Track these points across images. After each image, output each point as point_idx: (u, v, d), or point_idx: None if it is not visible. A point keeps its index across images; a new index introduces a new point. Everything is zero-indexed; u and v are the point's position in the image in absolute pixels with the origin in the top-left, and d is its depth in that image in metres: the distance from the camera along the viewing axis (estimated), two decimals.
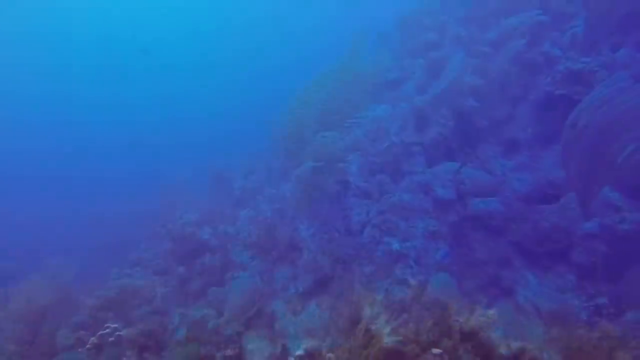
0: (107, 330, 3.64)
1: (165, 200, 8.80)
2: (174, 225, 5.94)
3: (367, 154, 6.14)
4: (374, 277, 3.22)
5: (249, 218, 5.87)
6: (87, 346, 3.58)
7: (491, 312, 1.64)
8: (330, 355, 2.03)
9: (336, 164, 4.27)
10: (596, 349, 1.71)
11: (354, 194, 4.11)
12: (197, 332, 3.58)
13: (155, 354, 3.55)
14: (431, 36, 7.04)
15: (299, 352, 2.45)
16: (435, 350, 1.59)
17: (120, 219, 10.44)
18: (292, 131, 4.63)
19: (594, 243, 2.95)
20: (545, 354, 1.57)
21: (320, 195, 3.66)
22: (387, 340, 1.70)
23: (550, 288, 3.01)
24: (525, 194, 3.69)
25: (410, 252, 3.16)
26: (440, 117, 3.94)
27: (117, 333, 3.62)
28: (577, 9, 5.16)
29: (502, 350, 1.55)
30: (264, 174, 7.60)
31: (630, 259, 2.81)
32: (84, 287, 5.71)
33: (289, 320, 3.61)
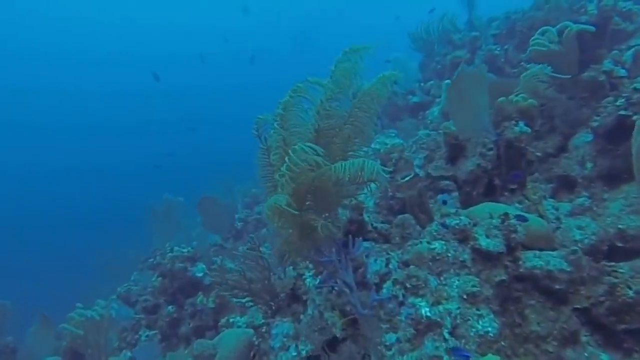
0: None
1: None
2: (162, 259, 5.26)
3: (385, 188, 5.46)
4: (396, 349, 2.48)
5: (249, 255, 5.19)
6: None
7: None
8: None
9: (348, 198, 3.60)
10: None
11: (369, 236, 3.41)
12: None
13: None
14: (461, 54, 6.46)
15: None
16: None
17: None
18: None
19: None
20: None
21: (329, 237, 2.96)
22: None
23: None
24: (589, 246, 2.94)
25: (445, 319, 2.43)
26: (480, 145, 3.25)
27: None
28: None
29: None
30: None
31: None
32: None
33: None
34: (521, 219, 2.48)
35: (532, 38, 4.30)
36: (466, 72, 3.73)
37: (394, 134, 7.65)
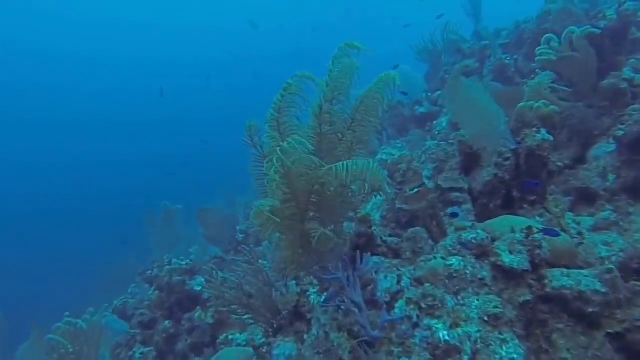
0: None
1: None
2: (160, 272, 5.05)
3: (392, 200, 5.25)
4: None
5: (248, 268, 4.98)
6: None
7: None
8: None
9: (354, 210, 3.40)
10: None
11: (379, 251, 3.19)
12: None
13: None
14: (470, 63, 6.30)
15: None
16: None
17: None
18: None
19: None
20: None
21: (336, 251, 2.76)
22: None
23: None
24: (617, 264, 2.72)
25: (464, 344, 2.21)
26: (496, 155, 3.05)
27: None
28: None
29: None
30: None
31: None
32: None
33: None
34: (551, 233, 2.27)
35: (538, 48, 4.13)
36: (463, 80, 3.55)
37: (400, 145, 7.48)
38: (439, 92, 7.61)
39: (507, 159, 3.07)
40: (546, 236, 2.27)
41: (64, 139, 31.66)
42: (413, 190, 4.97)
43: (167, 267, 5.11)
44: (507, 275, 2.30)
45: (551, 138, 2.73)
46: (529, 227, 2.34)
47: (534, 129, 2.76)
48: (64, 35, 34.47)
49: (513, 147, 2.74)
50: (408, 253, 3.35)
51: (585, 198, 3.60)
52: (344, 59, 2.40)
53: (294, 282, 3.80)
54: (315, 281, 3.44)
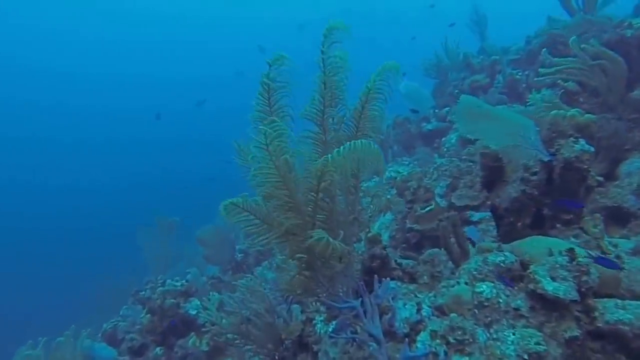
0: None
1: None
2: (153, 293, 4.70)
3: (402, 220, 4.94)
4: None
5: (247, 291, 4.62)
6: None
7: None
8: None
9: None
10: None
11: (393, 275, 2.87)
12: None
13: None
14: (479, 78, 6.08)
15: None
16: None
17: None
18: None
19: None
20: None
21: (348, 274, 2.43)
22: None
23: None
24: None
25: None
26: (522, 168, 2.76)
27: None
28: None
29: None
30: None
31: None
32: None
33: None
34: (607, 263, 1.96)
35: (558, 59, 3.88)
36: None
37: (407, 162, 7.20)
38: (447, 108, 7.39)
39: (535, 173, 2.78)
40: (604, 264, 1.95)
41: (63, 158, 31.70)
42: (425, 209, 4.68)
43: (160, 288, 4.76)
44: (547, 305, 1.97)
45: (592, 149, 2.43)
46: (571, 250, 2.03)
47: (571, 139, 2.47)
48: (70, 54, 34.88)
49: (547, 158, 2.44)
50: (425, 277, 3.02)
51: (617, 218, 3.29)
52: (334, 48, 2.05)
53: (297, 305, 3.46)
54: (322, 307, 3.10)
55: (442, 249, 3.11)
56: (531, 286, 1.99)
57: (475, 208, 4.29)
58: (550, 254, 2.11)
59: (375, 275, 2.25)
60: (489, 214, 4.15)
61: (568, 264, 1.96)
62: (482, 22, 8.59)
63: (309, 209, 1.97)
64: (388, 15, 34.48)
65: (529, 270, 2.06)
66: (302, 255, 2.00)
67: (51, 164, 31.05)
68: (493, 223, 3.90)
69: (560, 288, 1.90)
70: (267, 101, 1.99)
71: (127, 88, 36.08)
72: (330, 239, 1.73)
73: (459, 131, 6.32)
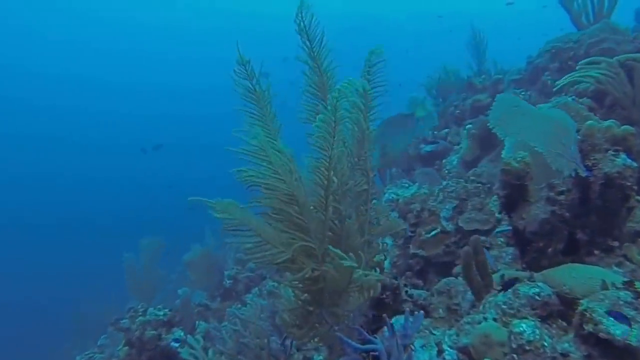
0: None
1: None
2: (131, 324, 4.25)
3: (405, 245, 4.60)
4: None
5: (236, 321, 4.20)
6: None
7: None
8: None
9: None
10: None
11: (404, 308, 2.49)
12: None
13: None
14: (482, 98, 5.86)
15: None
16: None
17: None
18: None
19: None
20: None
21: (362, 309, 2.07)
22: None
23: None
24: None
25: None
26: (547, 187, 2.44)
27: None
28: None
29: None
30: None
31: None
32: None
33: None
34: None
35: (578, 71, 3.63)
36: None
37: (407, 184, 6.91)
38: (447, 129, 7.17)
39: (562, 192, 2.45)
40: None
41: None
42: (430, 233, 4.37)
43: (141, 318, 4.31)
44: (608, 352, 1.61)
45: (634, 164, 2.13)
46: (631, 283, 1.68)
47: (610, 152, 2.16)
48: (88, 62, 35.65)
49: (585, 174, 2.12)
50: (441, 310, 2.66)
51: None
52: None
53: (293, 343, 3.06)
54: (321, 345, 2.70)
55: (459, 277, 2.76)
56: (589, 328, 1.62)
57: (486, 233, 3.98)
58: (605, 287, 1.75)
59: (408, 310, 1.88)
60: (501, 238, 3.84)
61: (634, 301, 1.61)
62: (481, 45, 8.50)
63: (319, 227, 1.62)
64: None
65: (581, 307, 1.70)
66: (306, 285, 1.63)
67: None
68: (506, 248, 3.58)
69: (633, 334, 1.54)
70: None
71: (135, 95, 36.82)
72: (354, 264, 1.37)
73: (461, 152, 6.06)
